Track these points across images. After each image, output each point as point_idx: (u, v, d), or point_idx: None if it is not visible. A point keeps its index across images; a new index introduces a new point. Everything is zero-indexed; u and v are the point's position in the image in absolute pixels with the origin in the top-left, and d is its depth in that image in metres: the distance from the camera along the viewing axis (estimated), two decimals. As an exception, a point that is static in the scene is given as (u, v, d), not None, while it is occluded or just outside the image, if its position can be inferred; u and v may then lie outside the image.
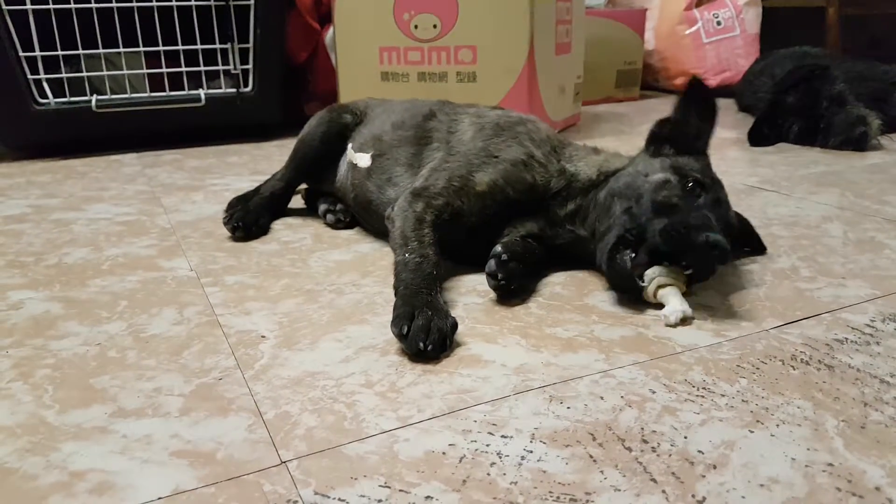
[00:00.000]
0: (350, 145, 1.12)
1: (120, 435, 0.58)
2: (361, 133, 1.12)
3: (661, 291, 0.78)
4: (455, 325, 0.73)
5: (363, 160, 1.06)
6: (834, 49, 2.70)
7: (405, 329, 0.70)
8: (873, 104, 1.71)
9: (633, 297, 0.81)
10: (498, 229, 0.91)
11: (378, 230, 1.06)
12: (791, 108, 1.71)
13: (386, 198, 1.01)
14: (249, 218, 1.10)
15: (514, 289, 0.83)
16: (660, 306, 0.78)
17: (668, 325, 0.76)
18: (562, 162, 0.93)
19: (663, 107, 2.48)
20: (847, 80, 1.72)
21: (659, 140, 0.91)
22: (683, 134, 0.89)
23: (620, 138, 1.89)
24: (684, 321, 0.76)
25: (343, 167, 1.13)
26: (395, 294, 0.77)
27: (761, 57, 2.34)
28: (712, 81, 2.63)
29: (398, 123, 1.06)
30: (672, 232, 0.76)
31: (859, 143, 1.63)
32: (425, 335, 0.69)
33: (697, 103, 0.89)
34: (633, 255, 0.79)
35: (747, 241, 0.97)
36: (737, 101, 2.33)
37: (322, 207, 1.15)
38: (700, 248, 0.74)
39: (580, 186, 0.91)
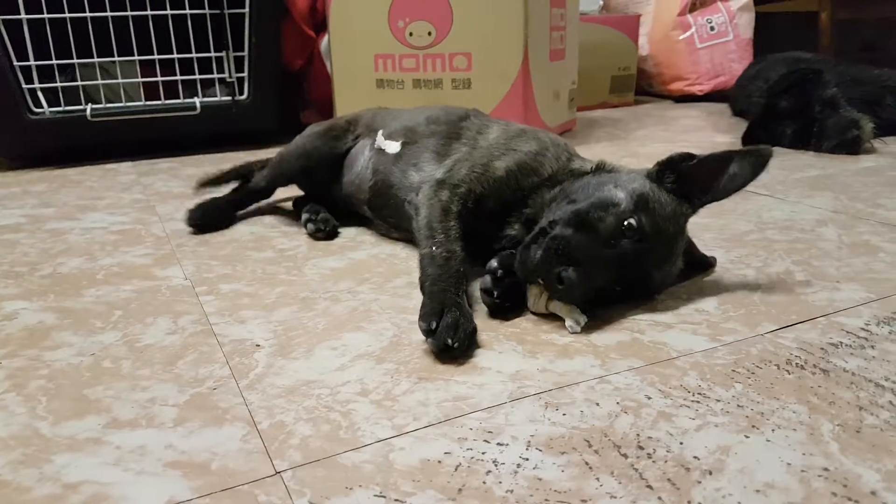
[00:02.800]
0: (380, 132, 1.13)
1: (114, 446, 0.58)
2: (389, 126, 1.14)
3: (550, 304, 0.78)
4: (476, 330, 0.74)
5: (393, 147, 1.08)
6: (827, 53, 2.71)
7: (434, 325, 0.71)
8: (866, 108, 1.71)
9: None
10: (500, 224, 0.91)
11: (392, 223, 1.07)
12: (784, 112, 1.72)
13: (409, 181, 1.01)
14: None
15: (508, 307, 0.82)
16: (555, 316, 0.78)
17: (573, 333, 0.76)
18: (571, 162, 0.93)
19: (658, 112, 2.49)
20: (840, 83, 1.73)
21: (669, 166, 0.84)
22: (694, 175, 0.82)
23: (615, 143, 1.90)
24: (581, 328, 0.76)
25: (359, 162, 1.13)
26: (421, 289, 0.78)
27: (755, 61, 2.35)
28: (706, 86, 2.64)
29: (433, 118, 1.08)
30: (545, 249, 0.75)
31: (852, 147, 1.64)
32: (454, 332, 0.70)
33: (743, 157, 0.81)
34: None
35: (691, 263, 0.90)
36: (731, 106, 2.34)
37: (304, 217, 1.15)
38: (550, 278, 0.73)
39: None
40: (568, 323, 0.77)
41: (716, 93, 2.61)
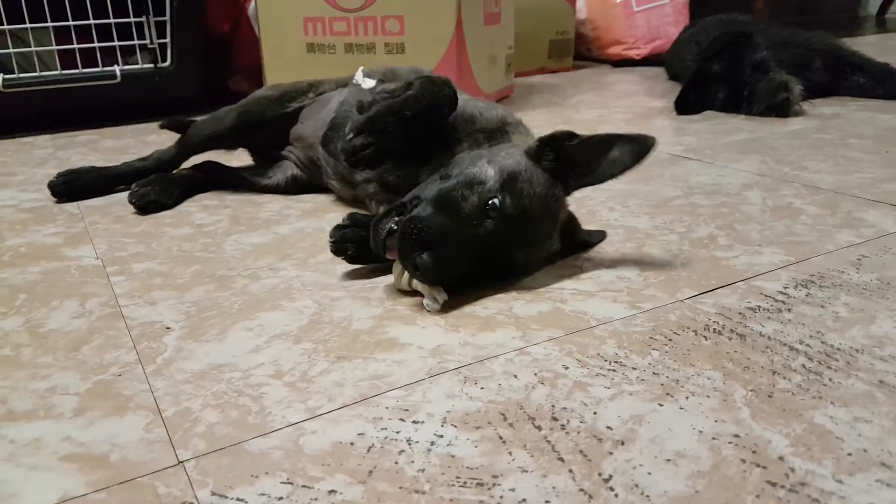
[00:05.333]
0: (361, 69, 1.14)
1: (7, 440, 0.54)
2: (372, 71, 1.14)
3: (413, 282, 0.76)
4: None
5: (368, 83, 1.08)
6: (761, 16, 2.74)
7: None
8: (796, 71, 1.74)
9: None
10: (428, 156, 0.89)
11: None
12: (716, 76, 1.73)
13: None
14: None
15: (353, 255, 0.82)
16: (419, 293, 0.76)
17: (430, 312, 0.74)
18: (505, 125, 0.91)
19: (596, 77, 2.49)
20: (770, 46, 1.74)
21: (550, 144, 0.81)
22: (573, 156, 0.80)
23: (552, 111, 1.89)
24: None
25: (329, 106, 1.11)
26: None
27: (689, 25, 2.36)
28: (643, 50, 2.65)
29: (419, 70, 1.09)
30: (401, 232, 0.72)
31: (782, 109, 1.66)
32: None
33: (625, 142, 0.79)
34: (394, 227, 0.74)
35: (573, 243, 0.89)
36: (666, 70, 2.35)
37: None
38: (406, 263, 0.72)
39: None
40: (425, 301, 0.74)
41: (653, 57, 2.62)
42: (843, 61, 1.90)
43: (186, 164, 1.23)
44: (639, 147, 0.79)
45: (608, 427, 0.54)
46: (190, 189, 1.19)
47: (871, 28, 3.90)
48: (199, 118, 1.25)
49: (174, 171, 1.21)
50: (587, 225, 0.92)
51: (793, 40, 1.88)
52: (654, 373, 0.61)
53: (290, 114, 1.16)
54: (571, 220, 0.87)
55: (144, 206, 1.09)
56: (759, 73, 1.70)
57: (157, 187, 1.12)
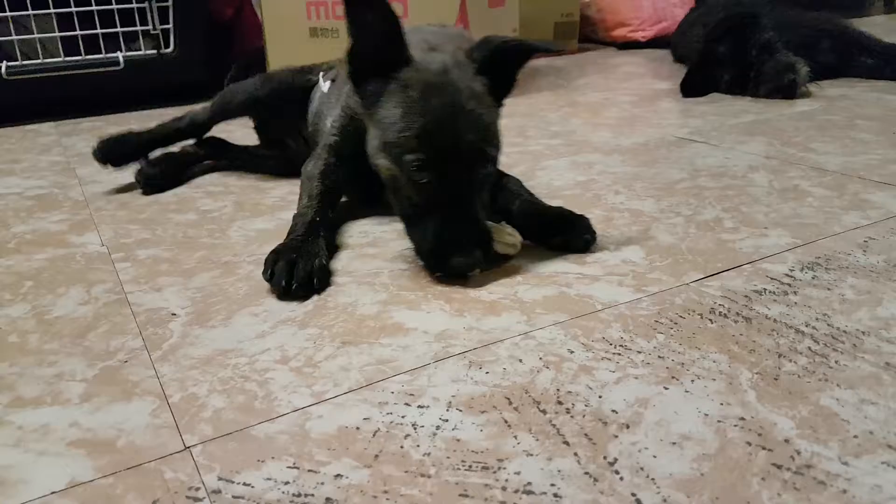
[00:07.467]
0: (321, 74, 1.13)
1: (15, 426, 0.55)
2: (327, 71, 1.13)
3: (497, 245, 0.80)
4: (324, 268, 0.78)
5: (325, 86, 1.07)
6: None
7: (269, 273, 0.75)
8: (802, 51, 1.72)
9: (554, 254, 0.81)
10: None
11: None
12: (721, 58, 1.72)
13: (325, 125, 1.01)
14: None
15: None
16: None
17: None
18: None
19: (601, 59, 2.47)
20: (776, 27, 1.72)
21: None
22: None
23: (558, 93, 1.87)
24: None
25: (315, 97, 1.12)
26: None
27: (695, 6, 2.33)
28: (649, 32, 2.62)
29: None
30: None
31: (789, 91, 1.65)
32: (288, 274, 0.74)
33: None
34: None
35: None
36: (672, 52, 2.33)
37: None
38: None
39: None
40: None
41: (659, 39, 2.59)
42: (851, 42, 1.88)
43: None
44: None
45: (613, 410, 0.54)
46: (194, 165, 1.21)
47: (879, 8, 3.85)
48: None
49: (180, 149, 1.22)
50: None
51: (799, 21, 1.86)
52: (659, 356, 0.61)
53: (310, 87, 1.16)
54: None
55: (150, 186, 1.11)
56: (766, 54, 1.68)
57: (163, 168, 1.14)
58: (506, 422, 0.53)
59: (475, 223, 0.76)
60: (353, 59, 0.80)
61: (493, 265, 0.79)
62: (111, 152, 1.15)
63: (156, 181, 1.12)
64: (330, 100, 1.04)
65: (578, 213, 0.85)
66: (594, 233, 0.83)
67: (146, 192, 1.11)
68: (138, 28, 1.77)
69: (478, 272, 0.77)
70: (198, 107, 1.25)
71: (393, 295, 0.75)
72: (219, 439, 0.52)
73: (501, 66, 0.82)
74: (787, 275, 0.76)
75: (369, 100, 0.80)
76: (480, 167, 0.77)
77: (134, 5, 1.74)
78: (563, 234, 0.83)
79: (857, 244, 0.83)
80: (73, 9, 1.69)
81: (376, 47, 0.77)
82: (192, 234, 0.93)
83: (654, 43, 2.61)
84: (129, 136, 1.19)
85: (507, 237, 0.81)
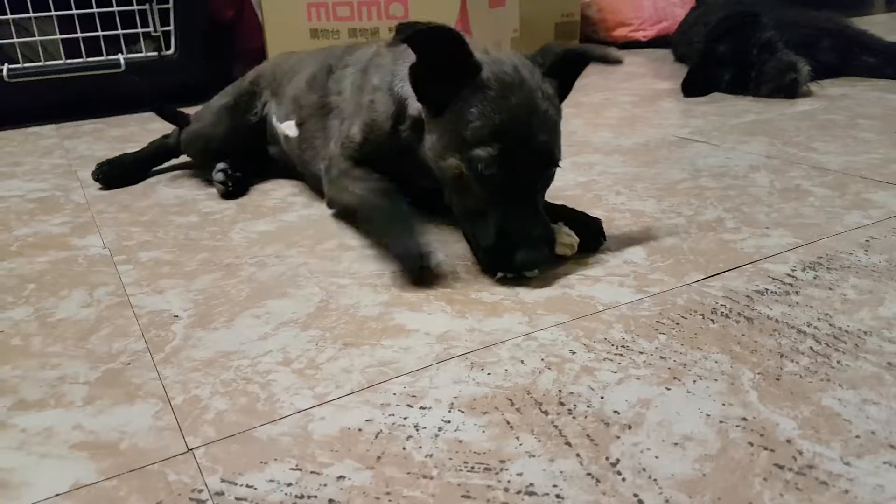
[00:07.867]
0: (274, 118, 1.11)
1: (19, 429, 0.55)
2: (283, 95, 1.09)
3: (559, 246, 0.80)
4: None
5: (291, 130, 1.06)
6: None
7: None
8: (803, 51, 1.72)
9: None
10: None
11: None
12: (722, 57, 1.72)
13: (318, 166, 1.01)
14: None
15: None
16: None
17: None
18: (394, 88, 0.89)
19: (602, 59, 2.46)
20: (777, 26, 1.72)
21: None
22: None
23: (557, 92, 1.87)
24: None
25: (276, 132, 1.12)
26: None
27: (696, 6, 2.33)
28: (650, 32, 2.63)
29: (310, 80, 1.05)
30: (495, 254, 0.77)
31: (790, 90, 1.65)
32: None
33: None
34: None
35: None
36: (673, 52, 2.33)
37: (218, 167, 1.11)
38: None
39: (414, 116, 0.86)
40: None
41: (659, 38, 2.59)
42: (852, 41, 1.88)
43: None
44: None
45: (615, 411, 0.54)
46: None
47: (881, 7, 3.84)
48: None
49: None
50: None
51: (800, 20, 1.86)
52: (661, 357, 0.61)
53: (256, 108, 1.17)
54: None
55: (237, 187, 1.11)
56: (767, 53, 1.68)
57: (244, 169, 1.15)
58: (508, 423, 0.53)
59: (541, 220, 0.76)
60: (418, 76, 0.79)
61: (552, 265, 0.79)
62: (111, 175, 1.18)
63: (242, 184, 1.12)
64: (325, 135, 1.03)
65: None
66: (605, 236, 0.84)
67: (227, 197, 1.10)
68: (139, 30, 1.77)
69: (536, 273, 0.77)
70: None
71: (395, 296, 0.75)
72: (221, 441, 0.52)
73: (562, 72, 0.82)
74: (788, 275, 0.76)
75: (435, 108, 0.80)
76: (547, 168, 0.78)
77: (135, 7, 1.74)
78: (578, 236, 0.83)
79: (858, 244, 0.83)
80: (74, 11, 1.69)
81: (443, 65, 0.77)
82: (194, 236, 0.94)
83: (655, 43, 2.61)
84: (125, 157, 1.23)
85: (566, 237, 0.81)
